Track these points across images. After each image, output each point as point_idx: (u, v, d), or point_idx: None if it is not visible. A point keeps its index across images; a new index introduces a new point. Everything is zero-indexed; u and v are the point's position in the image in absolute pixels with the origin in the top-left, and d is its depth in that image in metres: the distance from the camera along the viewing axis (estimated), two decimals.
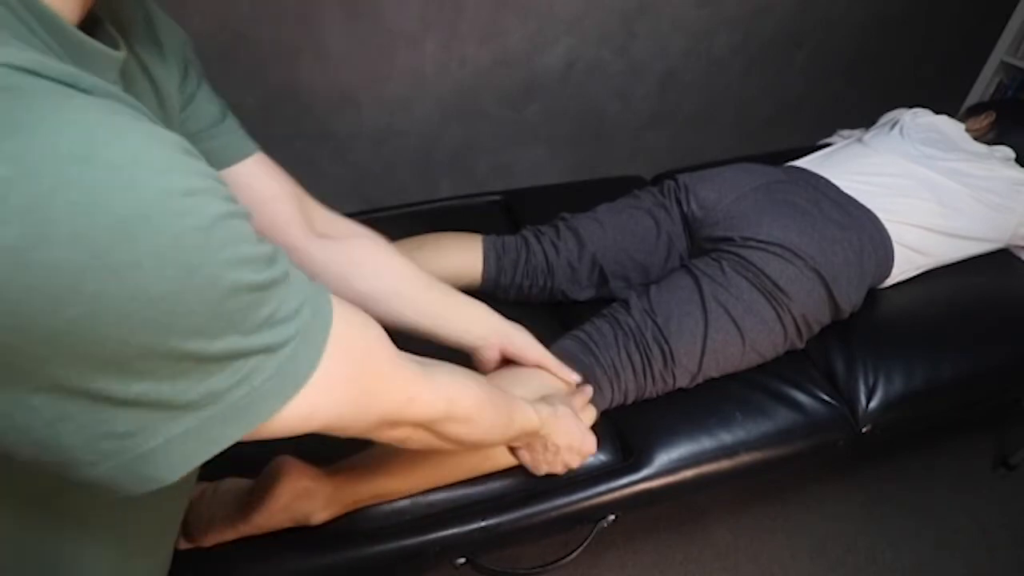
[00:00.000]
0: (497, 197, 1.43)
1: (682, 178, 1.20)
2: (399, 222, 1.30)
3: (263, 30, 1.42)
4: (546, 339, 1.00)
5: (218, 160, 0.63)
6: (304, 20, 1.44)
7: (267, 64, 1.48)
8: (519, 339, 0.88)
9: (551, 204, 1.26)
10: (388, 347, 0.49)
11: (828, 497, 1.45)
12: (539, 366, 0.89)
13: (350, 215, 1.33)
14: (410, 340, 0.65)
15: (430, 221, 1.21)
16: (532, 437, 0.78)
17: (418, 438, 0.55)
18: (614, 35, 1.74)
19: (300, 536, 0.79)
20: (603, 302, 1.09)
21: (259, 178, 0.68)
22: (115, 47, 0.41)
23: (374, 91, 1.60)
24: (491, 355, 0.87)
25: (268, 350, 0.36)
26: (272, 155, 1.56)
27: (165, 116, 0.53)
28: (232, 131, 0.65)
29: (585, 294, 1.16)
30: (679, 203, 1.18)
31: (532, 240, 1.15)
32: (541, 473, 0.85)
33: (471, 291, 1.13)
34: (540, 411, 0.76)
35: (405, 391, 0.50)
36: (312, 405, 0.40)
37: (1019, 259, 1.31)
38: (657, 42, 1.80)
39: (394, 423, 0.51)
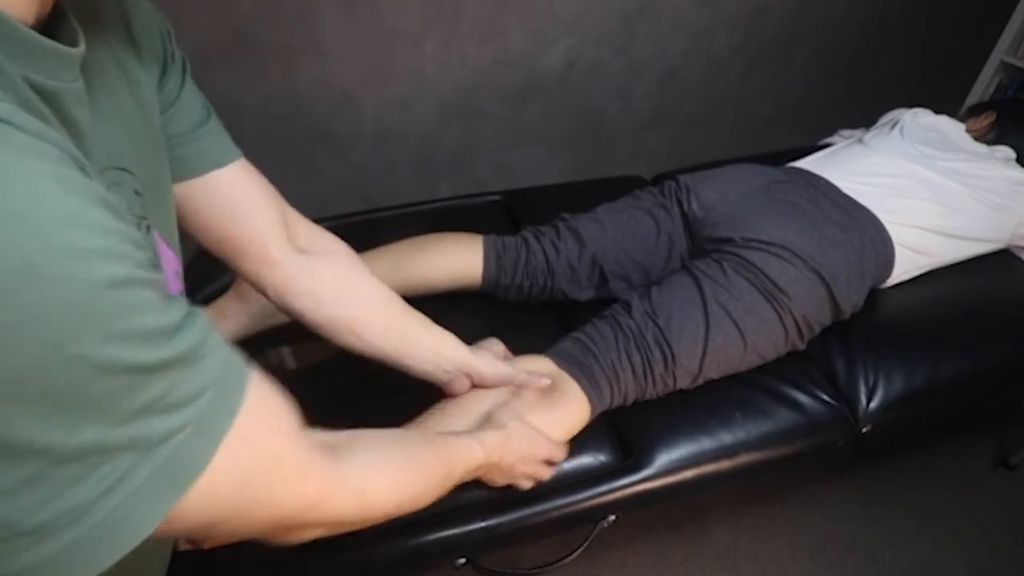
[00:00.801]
0: (497, 197, 1.43)
1: (683, 178, 1.20)
2: (399, 222, 1.30)
3: (263, 30, 1.42)
4: (546, 339, 1.00)
5: (199, 165, 0.61)
6: (304, 20, 1.44)
7: (267, 64, 1.47)
8: (483, 367, 0.85)
9: (551, 204, 1.26)
10: (300, 440, 0.43)
11: (828, 497, 1.45)
12: (510, 384, 0.87)
13: (350, 215, 1.34)
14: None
15: (430, 221, 1.21)
16: (486, 470, 0.76)
17: (329, 534, 0.50)
18: (614, 35, 1.74)
19: None
20: (603, 302, 1.09)
21: (240, 186, 0.64)
22: (75, 42, 0.38)
23: (374, 91, 1.60)
24: (460, 388, 0.85)
25: (143, 446, 0.30)
26: (272, 155, 1.56)
27: (140, 109, 0.49)
28: (215, 134, 0.62)
29: (585, 294, 1.16)
30: (679, 203, 1.18)
31: (532, 240, 1.15)
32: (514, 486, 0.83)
33: (471, 291, 1.14)
34: (487, 441, 0.73)
35: (309, 494, 0.44)
36: (192, 507, 0.33)
37: (1019, 259, 1.31)
38: (657, 42, 1.80)
39: (293, 528, 0.46)
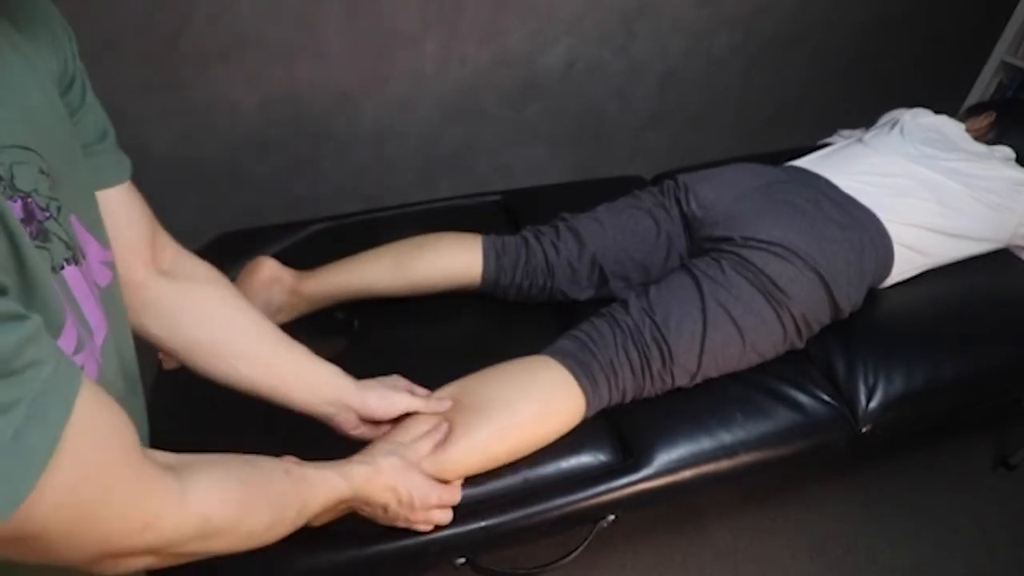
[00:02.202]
0: (497, 197, 1.43)
1: (682, 178, 1.20)
2: (399, 222, 1.30)
3: (263, 30, 1.42)
4: (546, 339, 1.00)
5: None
6: (304, 20, 1.44)
7: (267, 64, 1.48)
8: (374, 400, 0.82)
9: (551, 204, 1.26)
10: (133, 460, 0.41)
11: (828, 497, 1.45)
12: (410, 411, 0.84)
13: (350, 215, 1.34)
14: None
15: (430, 221, 1.21)
16: (351, 504, 0.73)
17: (163, 565, 0.46)
18: (614, 35, 1.74)
19: (300, 536, 0.78)
20: (603, 302, 1.09)
21: (117, 207, 0.61)
22: None
23: (374, 91, 1.60)
24: (347, 425, 0.82)
25: None
26: (272, 155, 1.56)
27: (42, 94, 0.47)
28: (110, 153, 0.60)
29: (585, 294, 1.16)
30: (679, 203, 1.18)
31: (532, 240, 1.15)
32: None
33: (471, 291, 1.14)
34: (352, 475, 0.70)
35: (143, 514, 0.42)
36: (13, 527, 0.32)
37: (1019, 259, 1.31)
38: (657, 42, 1.80)
39: (120, 555, 0.42)
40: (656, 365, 0.96)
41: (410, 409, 0.85)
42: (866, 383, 1.08)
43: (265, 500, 0.56)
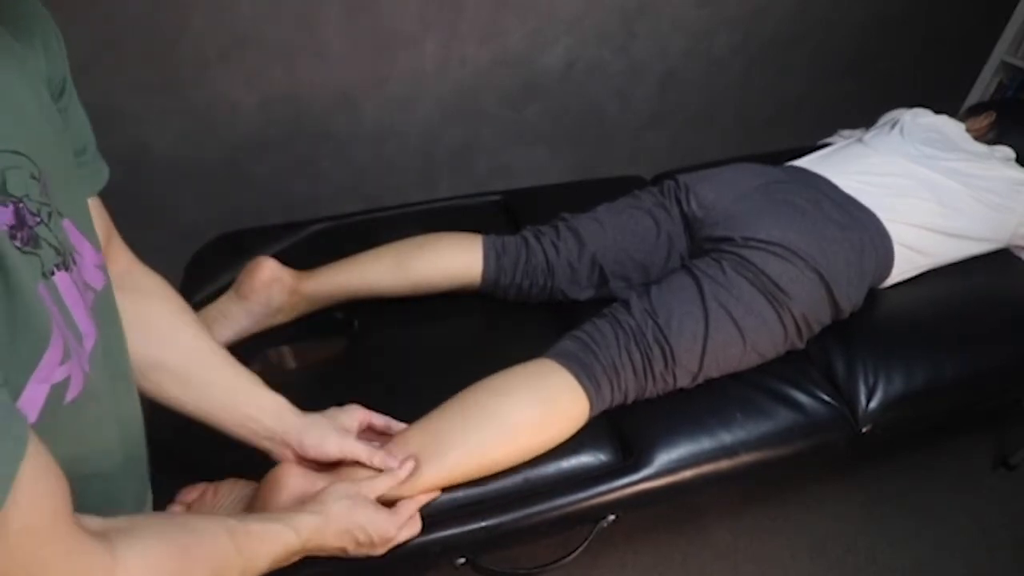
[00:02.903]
0: (497, 197, 1.43)
1: (682, 178, 1.20)
2: (399, 222, 1.30)
3: (263, 30, 1.42)
4: (546, 339, 1.00)
5: None
6: (304, 20, 1.44)
7: (267, 64, 1.48)
8: (311, 438, 0.78)
9: (551, 204, 1.26)
10: (67, 529, 0.39)
11: (828, 497, 1.45)
12: (347, 459, 0.80)
13: (350, 215, 1.34)
14: None
15: (430, 221, 1.21)
16: (303, 553, 0.68)
17: None
18: (614, 35, 1.74)
19: None
20: (603, 302, 1.09)
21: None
22: None
23: (374, 91, 1.60)
24: (284, 456, 0.78)
25: None
26: (272, 155, 1.57)
27: (35, 97, 0.47)
28: (90, 164, 0.58)
29: (585, 294, 1.16)
30: (679, 203, 1.18)
31: (532, 240, 1.15)
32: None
33: (471, 291, 1.14)
34: (301, 527, 0.66)
35: None
36: None
37: (1019, 259, 1.31)
38: (657, 42, 1.80)
39: None
40: (658, 366, 0.96)
41: (347, 457, 0.80)
42: (866, 383, 1.08)
43: (204, 564, 0.53)
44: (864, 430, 1.06)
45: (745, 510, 1.41)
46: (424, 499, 0.83)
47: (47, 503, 0.37)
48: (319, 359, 1.10)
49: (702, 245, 1.13)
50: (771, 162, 1.27)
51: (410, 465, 0.82)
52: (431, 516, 0.85)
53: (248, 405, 0.76)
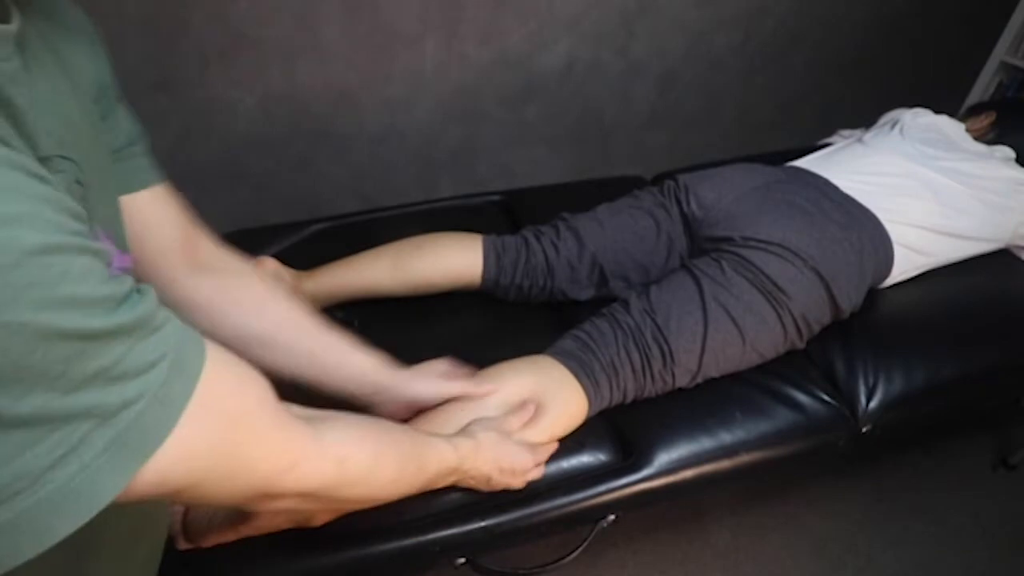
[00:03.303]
0: (497, 197, 1.43)
1: (682, 178, 1.20)
2: (399, 222, 1.30)
3: (263, 30, 1.42)
4: (546, 339, 1.00)
5: (123, 185, 0.59)
6: (303, 20, 1.44)
7: (267, 64, 1.48)
8: (420, 385, 0.84)
9: (551, 204, 1.26)
10: (270, 405, 0.44)
11: (828, 497, 1.45)
12: (460, 396, 0.86)
13: (350, 215, 1.34)
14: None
15: (430, 221, 1.21)
16: (457, 474, 0.75)
17: (306, 508, 0.50)
18: (614, 35, 1.74)
19: (300, 537, 0.79)
20: (603, 302, 1.09)
21: (154, 206, 0.64)
22: (6, 19, 0.38)
23: (374, 91, 1.60)
24: (392, 411, 0.84)
25: (100, 415, 0.30)
26: (272, 155, 1.56)
27: (77, 100, 0.48)
28: (141, 156, 0.61)
29: (585, 294, 1.16)
30: (679, 203, 1.18)
31: (532, 240, 1.15)
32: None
33: (471, 291, 1.14)
34: (459, 446, 0.73)
35: (286, 456, 0.45)
36: (161, 473, 0.34)
37: (1019, 259, 1.31)
38: (657, 42, 1.80)
39: (272, 495, 0.46)
40: (657, 365, 0.96)
41: (453, 395, 0.86)
42: (866, 383, 1.08)
43: (392, 452, 0.59)
44: (864, 430, 1.06)
45: (745, 510, 1.41)
46: (552, 447, 0.89)
47: (251, 389, 0.42)
48: None
49: (702, 245, 1.13)
50: (771, 162, 1.27)
51: (530, 408, 0.87)
52: (431, 516, 0.85)
53: (352, 364, 0.80)
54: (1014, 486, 1.50)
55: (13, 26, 0.37)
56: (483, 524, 0.85)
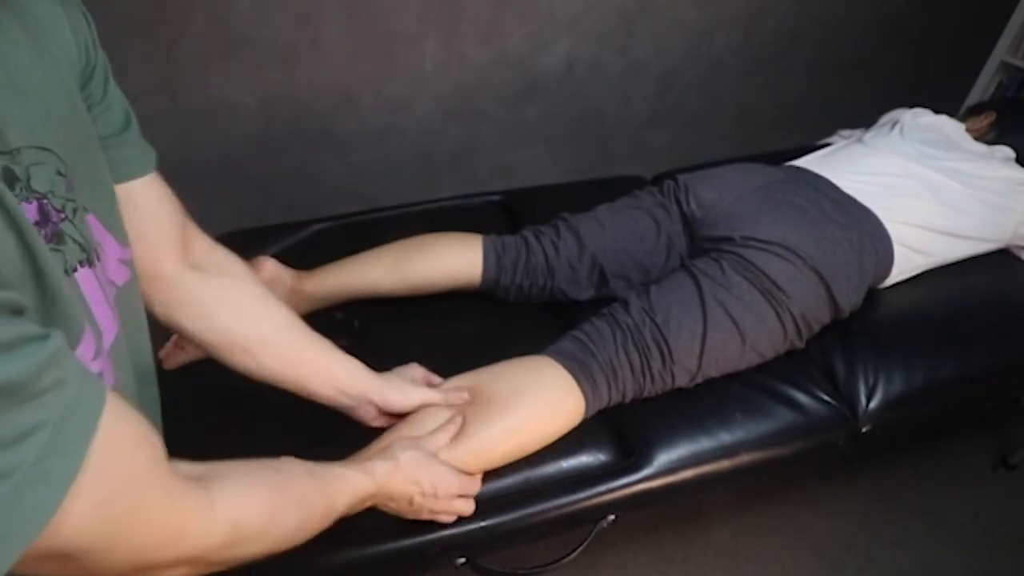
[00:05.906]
0: (497, 197, 1.43)
1: (682, 178, 1.20)
2: (399, 222, 1.30)
3: (263, 30, 1.42)
4: (546, 339, 1.00)
5: (116, 174, 0.58)
6: (304, 20, 1.44)
7: (267, 64, 1.48)
8: (393, 394, 0.84)
9: (551, 204, 1.26)
10: (162, 468, 0.41)
11: (828, 497, 1.45)
12: (426, 405, 0.86)
13: (350, 215, 1.34)
14: None
15: (430, 221, 1.21)
16: (375, 499, 0.73)
17: (190, 572, 0.46)
18: (614, 35, 1.74)
19: None
20: (603, 302, 1.09)
21: (146, 199, 0.62)
22: None
23: (374, 91, 1.60)
24: (367, 415, 0.84)
25: None
26: (272, 155, 1.56)
27: (61, 89, 0.47)
28: (132, 144, 0.59)
29: (585, 294, 1.16)
30: (679, 203, 1.18)
31: (532, 240, 1.15)
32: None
33: (471, 291, 1.14)
34: (375, 470, 0.71)
35: (172, 526, 0.42)
36: (35, 545, 0.32)
37: (1019, 259, 1.31)
38: (657, 42, 1.80)
39: (159, 566, 0.43)
40: (656, 365, 0.96)
41: (427, 402, 0.86)
42: (866, 383, 1.08)
43: (292, 502, 0.57)
44: (864, 430, 1.06)
45: (745, 510, 1.41)
46: (478, 480, 0.85)
47: (143, 451, 0.39)
48: None
49: (702, 245, 1.13)
50: (771, 162, 1.27)
51: (457, 422, 0.85)
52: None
53: (334, 370, 0.80)
54: (1014, 486, 1.50)
55: None
56: (483, 524, 0.85)
